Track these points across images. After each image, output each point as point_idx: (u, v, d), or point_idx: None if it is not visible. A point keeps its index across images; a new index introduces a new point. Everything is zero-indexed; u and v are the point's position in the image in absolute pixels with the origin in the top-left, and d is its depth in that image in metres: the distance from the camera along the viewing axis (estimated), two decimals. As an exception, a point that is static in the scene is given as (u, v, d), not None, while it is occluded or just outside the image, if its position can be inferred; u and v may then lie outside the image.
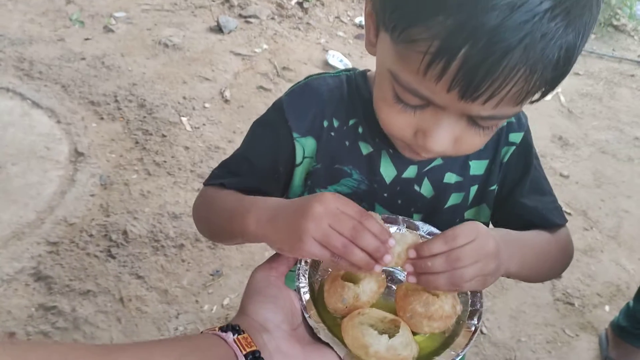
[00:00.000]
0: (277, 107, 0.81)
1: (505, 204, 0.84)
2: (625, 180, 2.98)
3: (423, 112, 0.62)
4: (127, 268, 1.95)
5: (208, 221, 0.83)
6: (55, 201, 2.13)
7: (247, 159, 0.82)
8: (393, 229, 0.75)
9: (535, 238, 0.80)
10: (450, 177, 0.82)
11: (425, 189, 0.82)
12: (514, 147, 0.82)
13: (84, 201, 2.15)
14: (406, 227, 0.76)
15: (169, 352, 0.53)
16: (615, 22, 4.81)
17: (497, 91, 0.54)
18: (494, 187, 0.84)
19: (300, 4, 4.00)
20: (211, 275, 2.03)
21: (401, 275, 0.75)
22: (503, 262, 0.66)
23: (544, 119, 3.36)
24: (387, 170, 0.80)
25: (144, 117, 2.62)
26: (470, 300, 0.70)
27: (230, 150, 2.55)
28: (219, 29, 3.44)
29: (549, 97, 0.63)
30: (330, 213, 0.60)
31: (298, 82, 0.84)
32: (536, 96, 0.59)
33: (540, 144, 3.08)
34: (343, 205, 0.61)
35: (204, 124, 2.70)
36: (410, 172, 0.81)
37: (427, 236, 0.75)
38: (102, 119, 2.58)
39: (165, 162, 2.41)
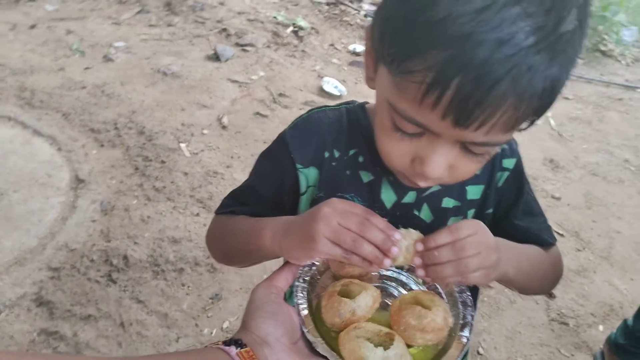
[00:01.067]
0: (281, 140, 0.86)
1: (499, 225, 0.88)
2: (615, 201, 3.03)
3: (419, 140, 0.65)
4: (127, 292, 1.98)
5: (223, 245, 0.89)
6: (57, 227, 2.16)
7: (254, 190, 0.88)
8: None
9: (529, 249, 0.85)
10: (448, 202, 0.85)
11: (425, 214, 0.85)
12: (507, 173, 0.87)
13: (85, 227, 2.18)
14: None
15: None
16: (602, 48, 4.93)
17: (488, 119, 0.57)
18: (490, 210, 0.88)
19: (295, 33, 4.10)
20: (210, 299, 2.05)
21: (396, 291, 0.78)
22: (502, 260, 0.70)
23: (535, 142, 3.43)
24: (388, 196, 0.84)
25: (144, 143, 2.67)
26: (461, 314, 0.73)
27: (228, 175, 2.60)
28: (216, 57, 3.53)
29: (537, 123, 0.67)
30: (338, 212, 0.66)
31: (301, 116, 0.88)
32: (524, 125, 0.62)
33: (532, 166, 3.14)
34: (349, 205, 0.67)
35: (202, 150, 2.75)
36: (410, 197, 0.84)
37: None
38: (102, 146, 2.63)
39: (164, 187, 2.46)
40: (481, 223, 0.70)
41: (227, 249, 0.89)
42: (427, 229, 0.82)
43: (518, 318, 2.22)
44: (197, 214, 2.37)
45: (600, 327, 2.23)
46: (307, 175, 0.85)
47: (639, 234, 2.79)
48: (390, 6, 0.62)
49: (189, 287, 2.07)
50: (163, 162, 2.59)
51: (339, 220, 0.66)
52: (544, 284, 0.90)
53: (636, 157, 3.50)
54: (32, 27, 3.56)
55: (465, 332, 0.71)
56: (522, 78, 0.54)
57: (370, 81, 0.72)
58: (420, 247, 0.67)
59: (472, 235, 0.67)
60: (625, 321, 1.96)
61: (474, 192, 0.86)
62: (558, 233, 2.70)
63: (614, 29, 4.83)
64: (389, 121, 0.66)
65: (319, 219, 0.66)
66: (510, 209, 0.88)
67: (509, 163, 0.87)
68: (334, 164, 0.85)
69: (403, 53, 0.59)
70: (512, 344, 2.11)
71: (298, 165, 0.84)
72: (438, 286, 0.78)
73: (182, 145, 2.74)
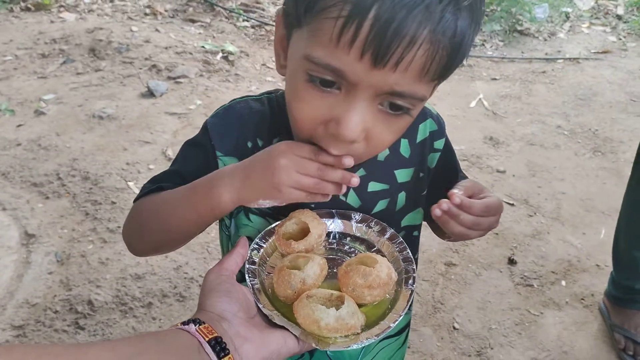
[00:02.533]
0: (204, 128, 0.87)
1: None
2: (556, 165, 3.19)
3: (335, 96, 0.64)
4: (98, 336, 1.93)
5: (150, 228, 0.84)
6: (14, 286, 2.10)
7: (179, 174, 0.86)
8: (329, 221, 0.85)
9: None
10: (375, 186, 0.88)
11: (352, 199, 0.88)
12: (439, 153, 0.92)
13: (43, 280, 2.13)
14: (340, 218, 0.86)
15: (136, 343, 0.58)
16: (519, 28, 5.19)
17: (406, 52, 0.57)
18: (424, 192, 0.93)
19: (225, 58, 4.14)
20: (184, 327, 2.03)
21: (341, 260, 0.82)
22: None
23: (473, 124, 3.57)
24: None
25: (90, 188, 2.63)
26: (404, 269, 0.79)
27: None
28: (150, 94, 3.51)
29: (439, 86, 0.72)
30: (293, 162, 0.70)
31: (223, 105, 0.89)
32: (437, 75, 0.63)
33: (475, 146, 3.27)
34: (298, 150, 0.71)
35: (151, 185, 2.72)
36: None
37: (360, 223, 0.86)
38: (47, 198, 2.57)
39: (119, 227, 2.42)
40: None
41: (156, 229, 0.83)
42: None
43: (486, 289, 2.29)
44: (157, 248, 2.34)
45: (563, 282, 2.33)
46: (226, 164, 0.84)
47: (582, 192, 2.94)
48: None
49: (160, 319, 2.05)
50: (113, 202, 2.56)
51: (296, 169, 0.70)
52: None
53: (567, 122, 3.70)
54: (-45, 94, 3.45)
55: (410, 284, 0.76)
56: (434, 11, 0.57)
57: (282, 68, 0.74)
58: (457, 200, 0.73)
59: (496, 202, 0.77)
60: (611, 273, 2.07)
61: (403, 175, 0.89)
62: (508, 203, 2.82)
63: (526, 8, 5.09)
64: (303, 76, 0.65)
65: (278, 172, 0.70)
66: (448, 185, 0.92)
67: (439, 144, 0.91)
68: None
69: None
70: (485, 313, 2.18)
71: (218, 153, 0.85)
72: (380, 248, 0.84)
73: (130, 183, 2.71)
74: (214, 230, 2.48)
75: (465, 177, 0.94)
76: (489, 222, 0.77)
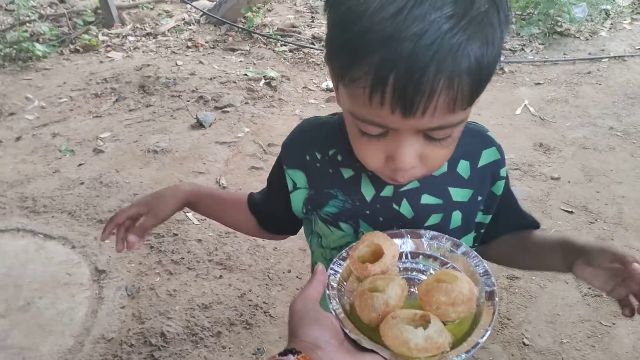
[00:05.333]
0: (281, 147, 1.03)
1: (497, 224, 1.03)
2: (612, 168, 3.12)
3: (385, 139, 0.73)
4: (173, 368, 1.99)
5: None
6: (89, 322, 2.19)
7: (266, 190, 1.12)
8: (399, 241, 0.87)
9: None
10: (428, 199, 0.93)
11: (405, 209, 0.92)
12: (504, 181, 0.97)
13: (117, 314, 2.21)
14: (410, 237, 0.88)
15: None
16: (558, 29, 5.12)
17: (429, 102, 0.64)
18: (482, 218, 0.99)
19: (268, 84, 4.23)
20: (253, 354, 2.07)
21: (417, 279, 0.84)
22: None
23: (521, 131, 3.52)
24: (367, 190, 0.93)
25: (152, 222, 2.72)
26: (483, 283, 0.79)
27: (239, 232, 2.64)
28: (199, 125, 3.62)
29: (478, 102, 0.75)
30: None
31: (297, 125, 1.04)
32: (465, 104, 0.68)
33: (525, 154, 3.23)
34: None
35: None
36: (388, 191, 0.92)
37: (431, 240, 0.87)
38: (113, 234, 2.67)
39: (182, 258, 2.50)
40: None
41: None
42: (409, 224, 0.93)
43: (553, 301, 2.25)
44: (220, 276, 2.41)
45: (633, 290, 2.26)
46: (292, 176, 0.99)
47: (643, 194, 2.86)
48: (329, 32, 0.71)
49: (230, 348, 2.09)
50: (175, 234, 2.64)
51: None
52: None
53: (619, 122, 3.61)
54: (18, 139, 3.64)
55: (493, 299, 0.76)
56: (445, 59, 0.61)
57: (338, 101, 0.82)
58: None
59: None
60: None
61: (459, 194, 0.94)
62: (567, 211, 2.77)
63: (564, 9, 5.02)
64: (355, 128, 0.75)
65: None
66: (505, 207, 1.01)
67: (503, 171, 0.97)
68: (317, 165, 0.96)
69: (346, 66, 0.68)
70: (554, 327, 2.14)
71: (284, 166, 1.00)
72: (454, 264, 0.84)
73: (189, 214, 2.79)
74: (272, 256, 2.53)
75: (518, 204, 1.03)
76: None
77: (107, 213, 2.80)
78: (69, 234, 2.68)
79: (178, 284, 2.37)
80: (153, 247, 2.58)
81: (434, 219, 0.93)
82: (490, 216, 0.99)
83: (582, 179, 3.03)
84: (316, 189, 0.98)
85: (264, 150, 3.39)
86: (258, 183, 3.06)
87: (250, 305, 2.28)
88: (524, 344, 2.08)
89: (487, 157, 0.94)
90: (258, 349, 2.09)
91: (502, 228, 1.03)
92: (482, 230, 1.01)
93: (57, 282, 2.38)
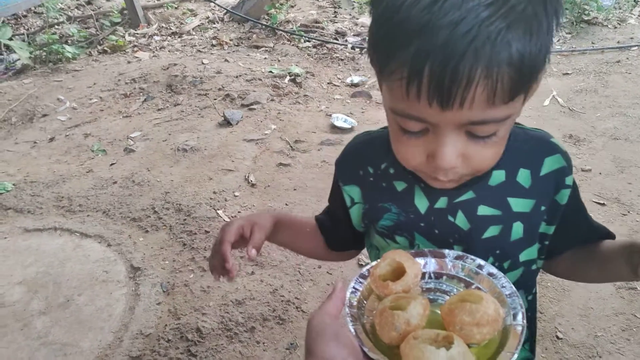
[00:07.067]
0: (335, 165, 1.03)
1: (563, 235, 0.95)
2: (645, 159, 3.07)
3: (426, 137, 0.71)
4: (209, 363, 2.04)
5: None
6: (127, 318, 2.25)
7: (329, 209, 1.12)
8: (422, 260, 0.83)
9: None
10: (485, 210, 0.88)
11: (460, 220, 0.88)
12: (570, 190, 0.89)
13: (153, 311, 2.27)
14: (433, 257, 0.84)
15: None
16: (586, 18, 5.03)
17: (466, 92, 0.62)
18: (546, 228, 0.91)
19: (293, 80, 4.26)
20: (287, 349, 2.11)
21: (440, 299, 0.81)
22: None
23: (549, 122, 3.49)
24: (421, 202, 0.90)
25: (184, 219, 2.78)
26: (510, 304, 0.74)
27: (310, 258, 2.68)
28: (227, 123, 3.67)
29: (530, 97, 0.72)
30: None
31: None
32: (510, 97, 0.65)
33: (554, 147, 3.19)
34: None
35: (238, 211, 2.85)
36: (442, 203, 0.88)
37: (455, 260, 0.83)
38: (147, 232, 2.74)
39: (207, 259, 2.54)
40: None
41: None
42: (466, 236, 0.89)
43: (586, 294, 2.24)
44: (252, 273, 2.45)
45: (668, 283, 2.24)
46: (349, 192, 0.99)
47: (677, 185, 2.81)
48: (370, 30, 0.71)
49: (264, 343, 2.13)
50: (207, 231, 2.69)
51: None
52: None
53: (651, 112, 3.54)
54: (51, 139, 3.74)
55: (519, 320, 0.71)
56: (483, 48, 0.59)
57: (384, 103, 0.81)
58: None
59: None
60: None
61: (520, 204, 0.88)
62: (599, 203, 2.74)
63: (592, -3, 4.94)
64: (396, 126, 0.73)
65: None
66: (572, 218, 0.93)
67: (569, 180, 0.89)
68: (371, 179, 0.95)
69: (383, 60, 0.67)
70: (588, 320, 2.13)
71: (340, 183, 1.00)
72: (479, 285, 0.80)
73: (219, 211, 2.84)
74: (303, 252, 2.56)
75: (588, 215, 0.96)
76: None
77: (140, 211, 2.86)
78: (105, 232, 2.75)
79: (211, 280, 2.41)
80: (186, 244, 2.63)
81: (493, 230, 0.88)
82: (553, 227, 0.92)
83: (614, 171, 2.99)
84: (370, 203, 0.97)
85: (291, 147, 3.42)
86: (286, 180, 3.09)
87: (282, 300, 2.31)
88: (557, 337, 2.07)
89: (550, 164, 0.88)
90: (291, 344, 2.12)
91: (569, 241, 0.96)
92: (547, 242, 0.94)
93: (95, 280, 2.45)
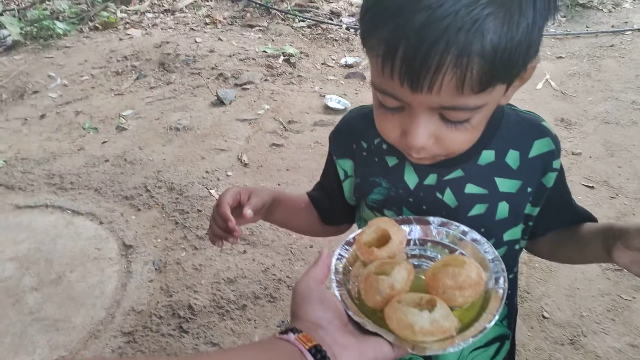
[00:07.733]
0: (328, 140, 1.05)
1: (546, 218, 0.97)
2: (635, 143, 3.09)
3: (402, 115, 0.72)
4: (201, 339, 2.06)
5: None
6: (119, 295, 2.26)
7: (321, 184, 1.13)
8: (407, 227, 0.85)
9: None
10: (472, 189, 0.89)
11: (448, 197, 0.89)
12: (556, 173, 0.91)
13: (145, 288, 2.28)
14: (418, 224, 0.85)
15: (243, 353, 0.63)
16: (581, 1, 5.02)
17: (434, 79, 0.62)
18: (531, 209, 0.93)
19: (287, 60, 4.23)
20: (278, 326, 2.13)
21: (425, 265, 0.82)
22: None
23: (542, 106, 3.50)
24: (410, 178, 0.91)
25: (176, 198, 2.78)
26: (492, 269, 0.76)
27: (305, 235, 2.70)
28: (220, 102, 3.65)
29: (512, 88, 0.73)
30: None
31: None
32: (477, 88, 0.64)
33: (546, 130, 3.21)
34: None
35: (231, 191, 2.85)
36: (431, 179, 0.90)
37: (440, 227, 0.85)
38: (139, 210, 2.74)
39: (207, 234, 2.55)
40: None
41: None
42: (452, 213, 0.90)
43: (573, 275, 2.27)
44: (244, 251, 2.46)
45: (654, 265, 2.27)
46: (343, 165, 1.01)
47: (666, 169, 2.84)
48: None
49: (255, 320, 2.16)
50: (199, 210, 2.70)
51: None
52: None
53: (643, 96, 3.56)
54: (42, 117, 3.71)
55: (500, 284, 0.73)
56: (456, 36, 0.59)
57: None
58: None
59: None
60: None
61: (507, 185, 0.89)
62: (588, 186, 2.77)
63: (587, -20, 4.92)
64: (376, 100, 0.75)
65: None
66: (557, 201, 0.95)
67: (557, 163, 0.91)
68: (364, 153, 0.97)
69: (365, 33, 0.69)
70: (574, 300, 2.16)
71: (334, 157, 1.03)
72: (462, 251, 0.82)
73: (212, 191, 2.84)
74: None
75: (572, 199, 0.98)
76: None
77: (132, 190, 2.86)
78: (96, 210, 2.75)
79: (203, 258, 2.43)
80: (178, 223, 2.64)
81: (479, 208, 0.90)
82: (538, 208, 0.94)
83: (604, 154, 3.02)
84: (362, 177, 0.98)
85: (284, 127, 3.42)
86: (279, 160, 3.09)
87: (274, 279, 2.33)
88: (543, 317, 2.11)
89: (539, 147, 0.89)
90: (282, 322, 2.15)
91: (551, 223, 0.98)
92: (530, 223, 0.96)
93: (87, 257, 2.46)
